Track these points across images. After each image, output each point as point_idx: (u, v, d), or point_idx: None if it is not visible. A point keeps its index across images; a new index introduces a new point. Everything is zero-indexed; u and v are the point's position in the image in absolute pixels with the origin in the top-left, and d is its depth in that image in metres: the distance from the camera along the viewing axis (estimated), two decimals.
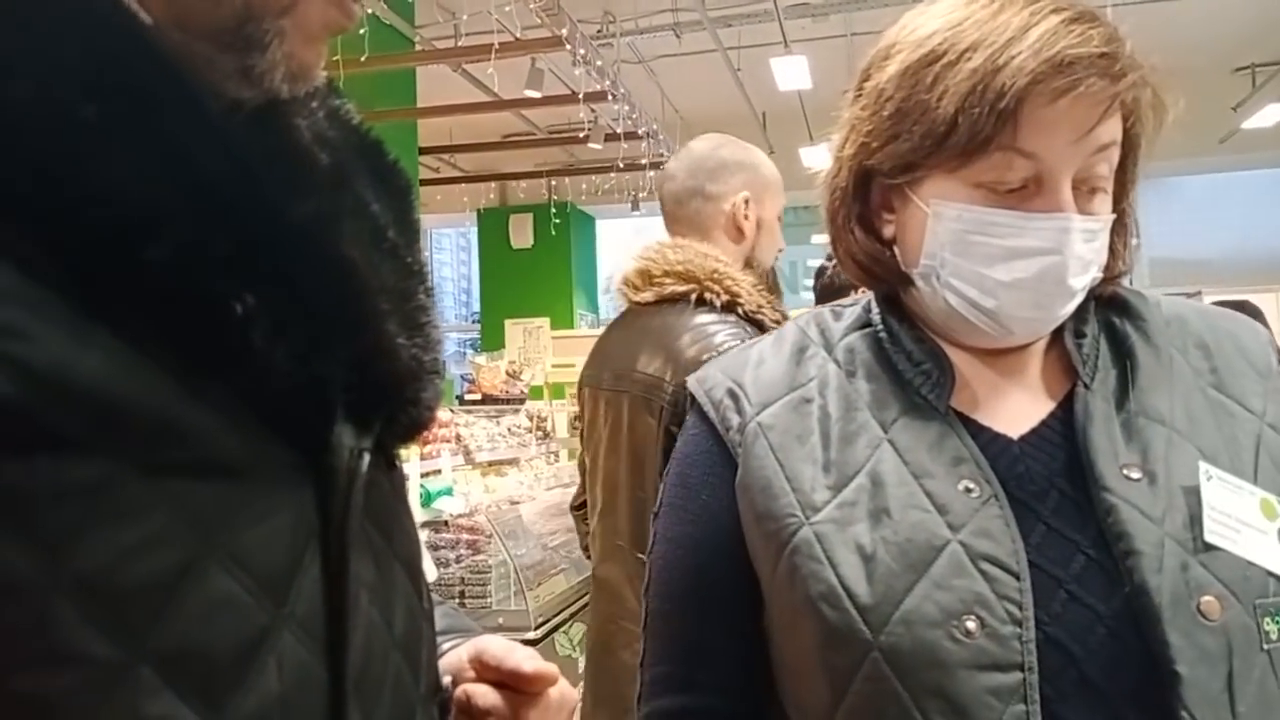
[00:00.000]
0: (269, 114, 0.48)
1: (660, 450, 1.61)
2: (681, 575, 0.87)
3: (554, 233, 9.86)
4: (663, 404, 1.64)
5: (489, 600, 3.25)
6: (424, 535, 3.38)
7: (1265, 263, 9.09)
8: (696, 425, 0.88)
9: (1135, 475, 0.75)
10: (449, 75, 6.71)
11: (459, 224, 11.86)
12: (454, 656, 0.66)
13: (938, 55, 0.76)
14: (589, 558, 1.94)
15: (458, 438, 4.36)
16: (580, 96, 6.01)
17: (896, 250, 0.85)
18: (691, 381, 0.90)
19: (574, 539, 3.96)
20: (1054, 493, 0.76)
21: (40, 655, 0.37)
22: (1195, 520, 0.73)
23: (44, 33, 0.39)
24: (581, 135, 7.19)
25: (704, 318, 1.65)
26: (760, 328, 1.64)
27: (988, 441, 0.78)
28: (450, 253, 15.41)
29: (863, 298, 0.92)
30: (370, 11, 4.99)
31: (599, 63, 5.61)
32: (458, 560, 3.35)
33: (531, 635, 3.15)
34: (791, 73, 6.57)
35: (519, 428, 5.07)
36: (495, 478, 4.53)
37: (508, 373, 6.73)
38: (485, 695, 0.63)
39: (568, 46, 5.19)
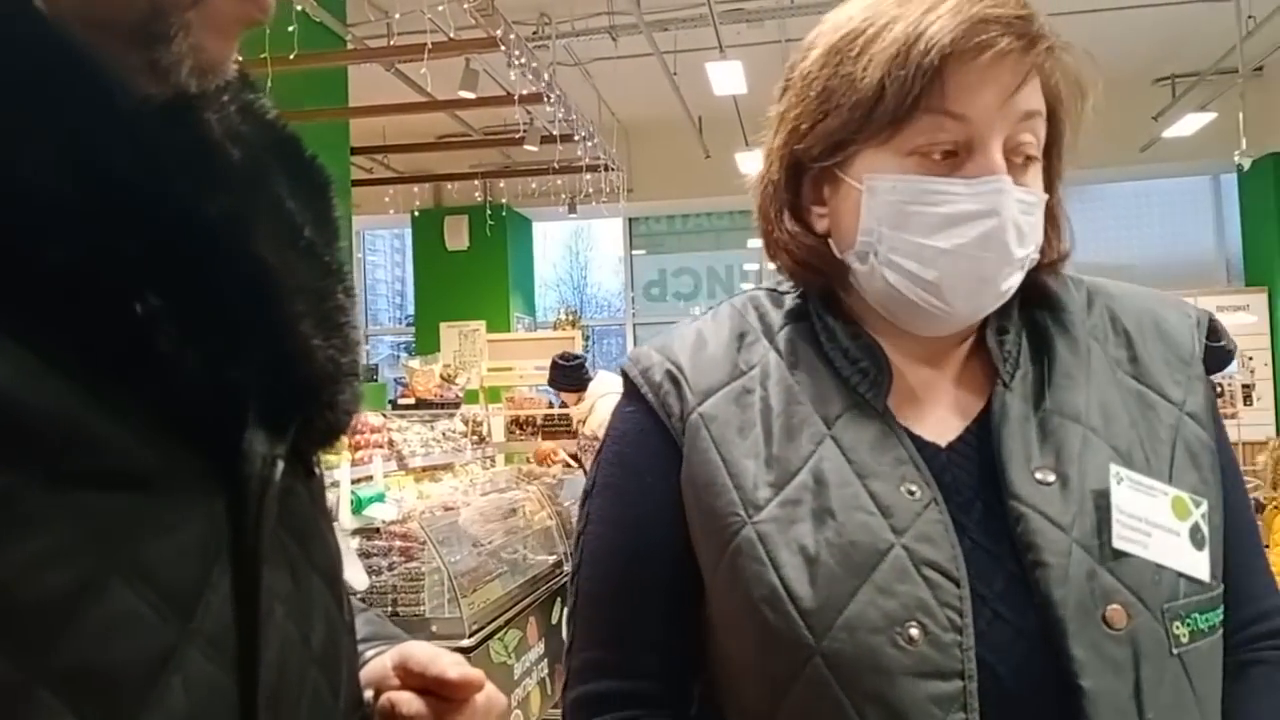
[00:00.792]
0: (178, 109, 0.46)
1: None
2: (618, 559, 0.84)
3: (490, 235, 9.79)
4: None
5: (422, 608, 3.20)
6: (355, 543, 3.32)
7: (1186, 268, 9.39)
8: (633, 405, 0.86)
9: (1048, 479, 0.74)
10: (382, 75, 6.62)
11: (393, 225, 11.71)
12: (377, 664, 0.64)
13: (859, 31, 0.77)
14: None
15: (390, 443, 4.30)
16: (516, 98, 5.97)
17: (831, 244, 0.83)
18: (626, 362, 0.88)
19: (511, 543, 3.93)
20: (979, 504, 0.76)
21: None
22: (1105, 525, 0.73)
23: None
24: (518, 136, 7.15)
25: None
26: None
27: (919, 449, 0.78)
28: (384, 255, 15.22)
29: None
30: (300, 8, 4.90)
31: (534, 64, 5.58)
32: (390, 568, 3.30)
33: (466, 643, 3.11)
34: (727, 78, 6.60)
35: (454, 432, 5.03)
36: (429, 483, 4.48)
37: (442, 376, 6.66)
38: (410, 703, 0.61)
39: (502, 48, 5.15)
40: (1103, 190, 9.27)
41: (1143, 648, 0.70)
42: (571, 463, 5.57)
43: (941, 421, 0.81)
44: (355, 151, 7.37)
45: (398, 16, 5.73)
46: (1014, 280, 0.78)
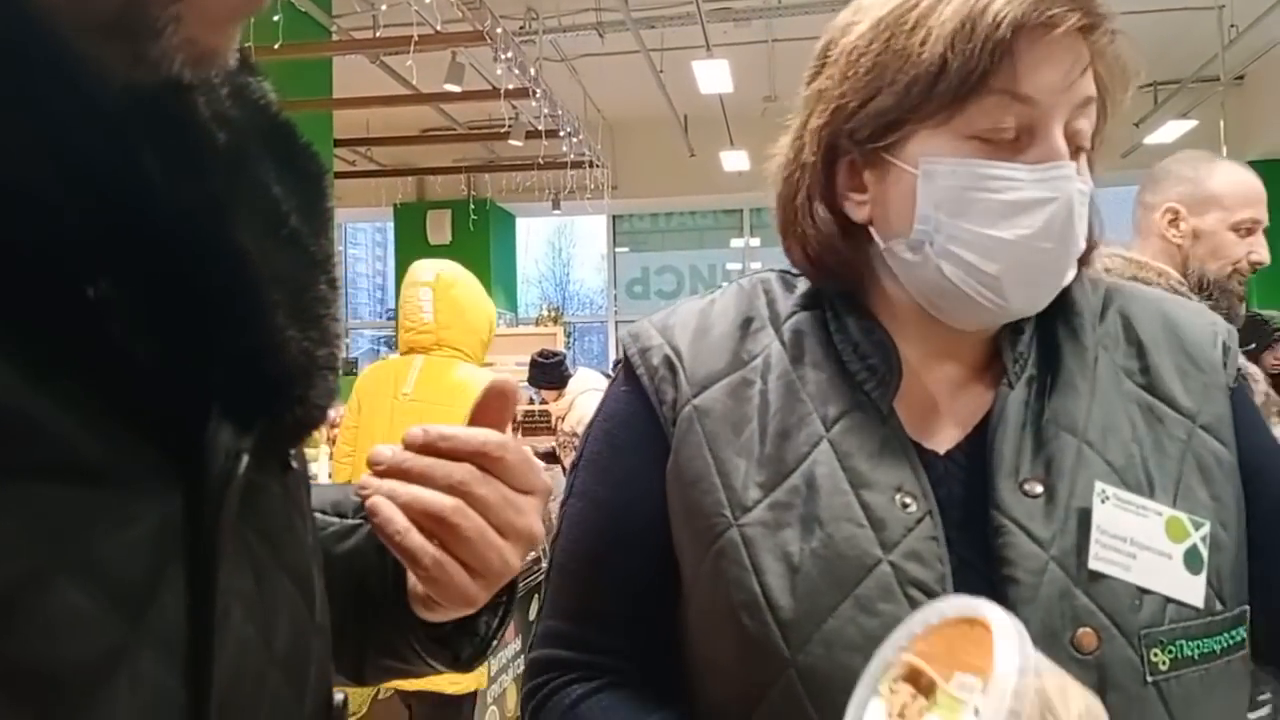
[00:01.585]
0: (162, 89, 0.45)
1: None
2: (591, 537, 0.82)
3: (473, 229, 9.76)
4: None
5: None
6: None
7: None
8: (627, 385, 0.83)
9: (1036, 490, 0.72)
10: (366, 67, 6.58)
11: (375, 219, 11.66)
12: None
13: (914, 3, 0.72)
14: None
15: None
16: (501, 93, 5.95)
17: (873, 232, 0.78)
18: (625, 336, 0.85)
19: None
20: (969, 515, 0.73)
21: None
22: (1084, 544, 0.70)
23: None
24: (502, 131, 7.12)
25: None
26: None
27: (919, 455, 0.75)
28: (366, 248, 15.15)
29: None
30: None
31: (520, 59, 5.56)
32: None
33: None
34: (713, 76, 6.61)
35: None
36: None
37: None
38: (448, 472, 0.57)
39: (489, 42, 5.13)
40: None
41: (1111, 675, 0.68)
42: (548, 460, 5.55)
43: (943, 427, 0.78)
44: (338, 144, 7.33)
45: (384, 8, 5.69)
46: (1071, 274, 0.74)
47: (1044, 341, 0.79)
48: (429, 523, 0.57)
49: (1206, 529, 0.73)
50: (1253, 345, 3.19)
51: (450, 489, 0.57)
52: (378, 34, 6.05)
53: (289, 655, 0.49)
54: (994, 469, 0.72)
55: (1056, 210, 0.71)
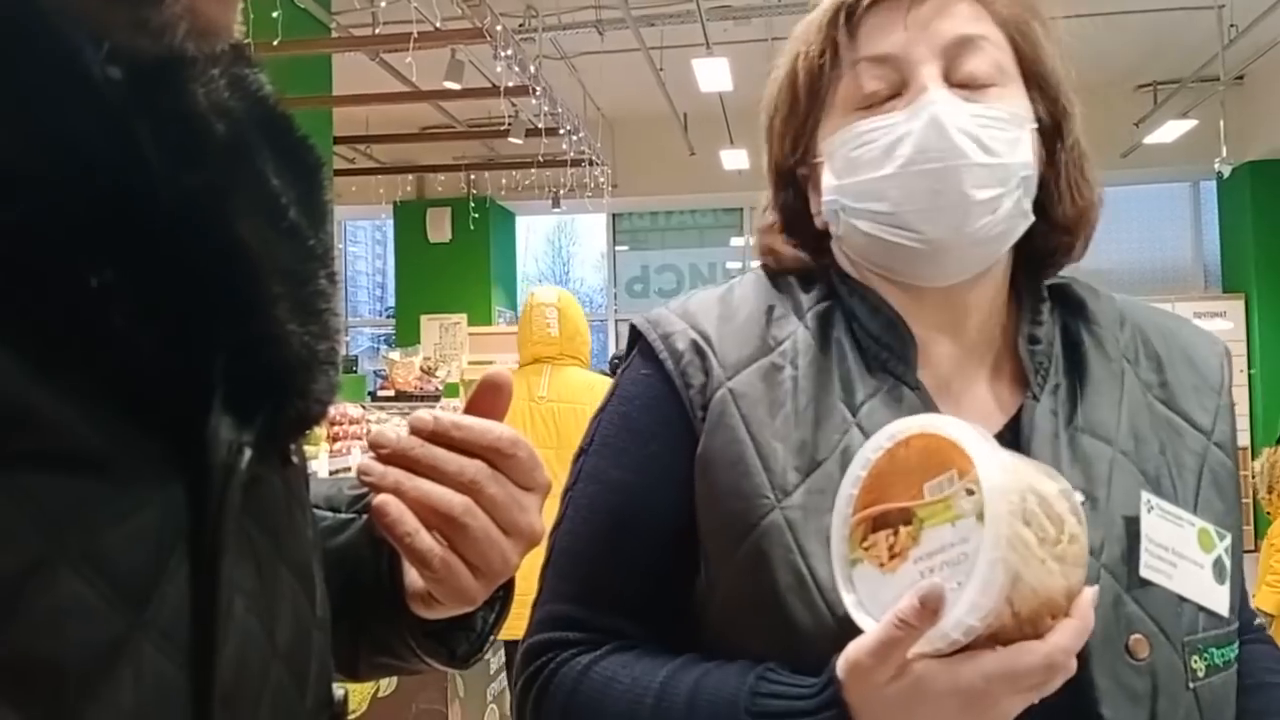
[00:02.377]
0: (161, 76, 0.44)
1: None
2: (605, 519, 0.81)
3: (472, 227, 9.74)
4: None
5: None
6: None
7: (1164, 273, 9.47)
8: (648, 368, 0.82)
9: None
10: (366, 64, 6.57)
11: (374, 217, 11.64)
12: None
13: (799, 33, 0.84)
14: None
15: (369, 434, 4.27)
16: (501, 90, 5.94)
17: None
18: (642, 322, 0.84)
19: None
20: None
21: None
22: (1133, 552, 0.71)
23: None
24: (502, 129, 7.11)
25: None
26: None
27: None
28: (365, 246, 15.14)
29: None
30: None
31: (520, 57, 5.56)
32: None
33: None
34: (713, 74, 6.60)
35: None
36: None
37: (422, 369, 6.63)
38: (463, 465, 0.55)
39: (488, 39, 5.12)
40: None
41: (1161, 680, 0.69)
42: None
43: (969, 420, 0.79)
44: (338, 141, 7.32)
45: (383, 5, 5.68)
46: (992, 191, 0.74)
47: (1068, 347, 0.80)
48: (436, 520, 0.56)
49: (1229, 540, 0.75)
50: None
51: (461, 486, 0.56)
52: (377, 31, 6.04)
53: (291, 648, 0.49)
54: None
55: (924, 130, 0.74)
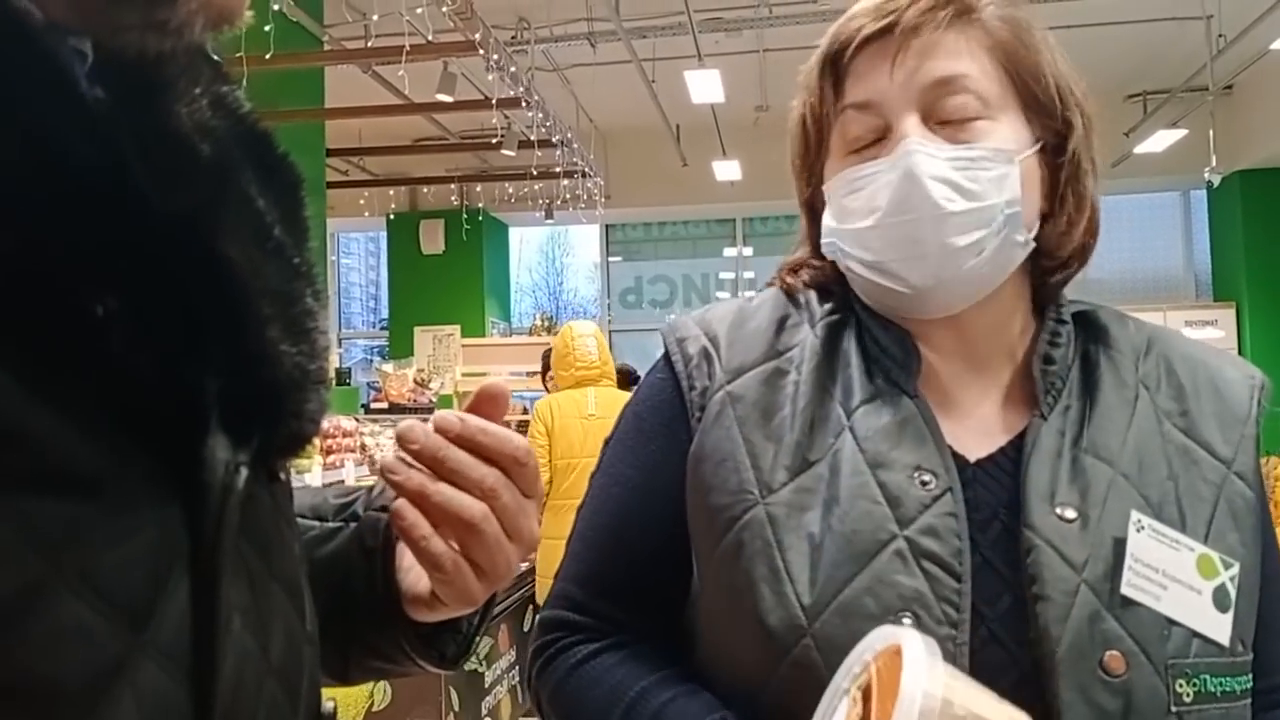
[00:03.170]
0: (145, 97, 0.45)
1: None
2: (610, 511, 0.87)
3: (466, 239, 9.75)
4: None
5: None
6: None
7: (1155, 282, 9.51)
8: (663, 372, 0.87)
9: (1069, 515, 0.73)
10: (358, 76, 6.58)
11: (368, 229, 11.64)
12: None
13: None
14: None
15: (362, 447, 4.27)
16: (494, 103, 5.95)
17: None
18: (665, 327, 0.89)
19: None
20: (997, 523, 0.75)
21: None
22: (1119, 571, 0.71)
23: None
24: (495, 141, 7.13)
25: None
26: None
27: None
28: (359, 258, 15.12)
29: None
30: (277, 7, 4.86)
31: (513, 69, 5.57)
32: None
33: None
34: (705, 86, 6.62)
35: None
36: None
37: (416, 381, 6.63)
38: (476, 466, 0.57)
39: (481, 52, 5.14)
40: None
41: (1137, 700, 0.68)
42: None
43: (976, 437, 0.79)
44: (330, 153, 7.32)
45: (375, 18, 5.70)
46: (974, 236, 0.76)
47: (1085, 371, 0.81)
48: (456, 526, 0.58)
49: (1236, 569, 0.74)
50: None
51: (480, 493, 0.58)
52: (369, 44, 6.06)
53: (284, 664, 0.49)
54: (1027, 490, 0.74)
55: (898, 182, 0.76)
